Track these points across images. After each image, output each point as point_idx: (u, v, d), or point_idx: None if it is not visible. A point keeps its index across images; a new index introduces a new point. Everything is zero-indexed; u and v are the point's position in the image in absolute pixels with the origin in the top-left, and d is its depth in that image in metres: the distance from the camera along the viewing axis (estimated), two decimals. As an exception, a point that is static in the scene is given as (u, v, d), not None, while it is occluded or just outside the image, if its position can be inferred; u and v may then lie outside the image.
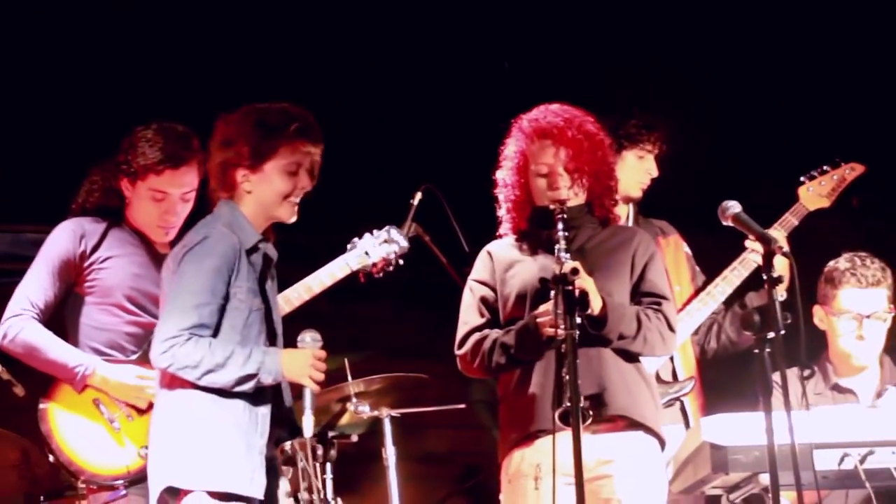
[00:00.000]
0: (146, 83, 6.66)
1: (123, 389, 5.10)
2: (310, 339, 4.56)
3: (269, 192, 4.55)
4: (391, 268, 5.58)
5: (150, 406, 4.98)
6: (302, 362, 4.50)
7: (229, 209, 4.57)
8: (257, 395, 4.47)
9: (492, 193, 4.85)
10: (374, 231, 5.57)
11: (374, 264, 5.53)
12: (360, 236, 5.56)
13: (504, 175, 4.81)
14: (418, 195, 5.81)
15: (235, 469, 4.40)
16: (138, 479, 4.98)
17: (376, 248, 5.54)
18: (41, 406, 5.13)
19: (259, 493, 4.43)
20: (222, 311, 4.46)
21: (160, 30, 6.74)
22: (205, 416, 4.42)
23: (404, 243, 5.58)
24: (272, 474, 4.54)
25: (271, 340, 4.58)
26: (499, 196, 4.84)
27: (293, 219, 4.61)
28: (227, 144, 4.56)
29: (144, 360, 4.96)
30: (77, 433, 5.11)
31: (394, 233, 5.58)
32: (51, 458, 5.09)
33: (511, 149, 4.80)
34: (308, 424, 4.51)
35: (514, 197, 4.79)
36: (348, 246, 5.54)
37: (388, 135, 6.90)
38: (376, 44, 6.90)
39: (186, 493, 4.40)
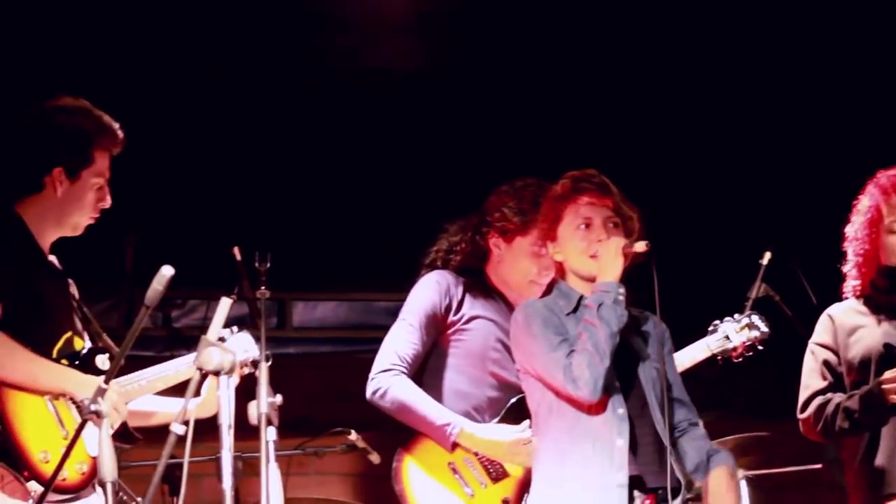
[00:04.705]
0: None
1: (497, 448, 4.99)
2: None
3: None
4: (751, 353, 5.50)
5: (506, 473, 5.00)
6: None
7: None
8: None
9: (840, 248, 4.79)
10: (736, 315, 5.50)
11: (734, 349, 5.46)
12: (722, 319, 5.51)
13: (854, 229, 4.77)
14: (767, 255, 5.65)
15: None
16: None
17: (737, 333, 5.47)
18: (396, 463, 5.06)
19: None
20: None
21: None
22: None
23: (766, 329, 5.49)
24: None
25: None
26: (847, 250, 4.78)
27: None
28: None
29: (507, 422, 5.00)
30: (430, 496, 5.01)
31: (755, 318, 5.50)
32: None
33: (864, 203, 4.76)
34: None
35: (862, 251, 4.75)
36: (710, 328, 5.50)
37: (734, 196, 6.91)
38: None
39: None
